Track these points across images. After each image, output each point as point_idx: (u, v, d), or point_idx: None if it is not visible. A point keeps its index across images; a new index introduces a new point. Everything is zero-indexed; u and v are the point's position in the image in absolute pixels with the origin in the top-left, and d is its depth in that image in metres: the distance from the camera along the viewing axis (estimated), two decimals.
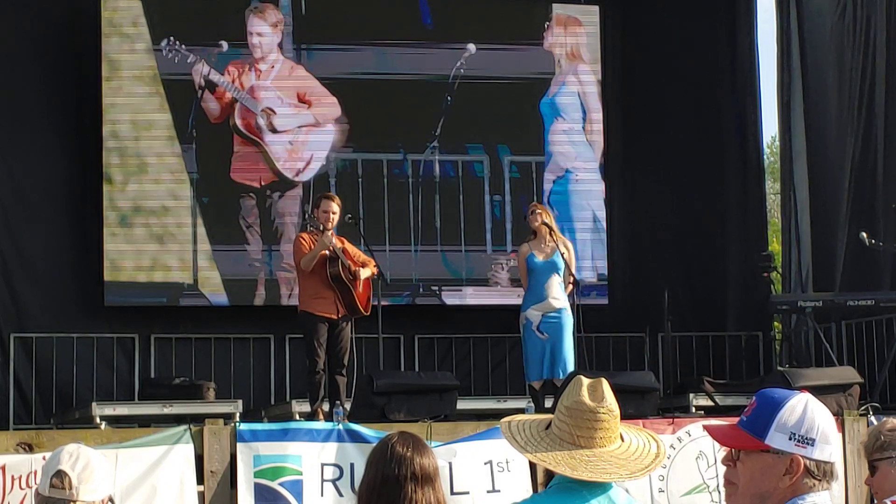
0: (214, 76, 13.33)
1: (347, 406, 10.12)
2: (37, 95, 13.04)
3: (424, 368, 13.26)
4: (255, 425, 9.47)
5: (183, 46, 13.22)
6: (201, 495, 8.96)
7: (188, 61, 13.25)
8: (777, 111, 15.27)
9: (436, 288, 13.74)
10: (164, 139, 13.22)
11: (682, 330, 13.30)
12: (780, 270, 14.60)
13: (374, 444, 4.13)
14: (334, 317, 10.39)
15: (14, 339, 12.72)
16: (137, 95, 13.18)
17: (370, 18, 13.81)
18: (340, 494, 9.08)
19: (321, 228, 10.36)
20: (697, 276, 14.41)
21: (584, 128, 14.17)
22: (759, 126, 15.18)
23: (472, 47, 13.92)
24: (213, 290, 13.22)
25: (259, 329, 13.33)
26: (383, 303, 11.07)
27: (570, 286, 10.79)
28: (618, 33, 14.51)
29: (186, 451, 8.95)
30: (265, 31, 13.56)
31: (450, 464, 9.14)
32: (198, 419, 9.59)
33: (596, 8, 14.36)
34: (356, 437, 9.24)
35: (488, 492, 9.27)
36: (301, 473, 9.08)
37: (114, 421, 10.65)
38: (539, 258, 10.69)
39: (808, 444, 2.94)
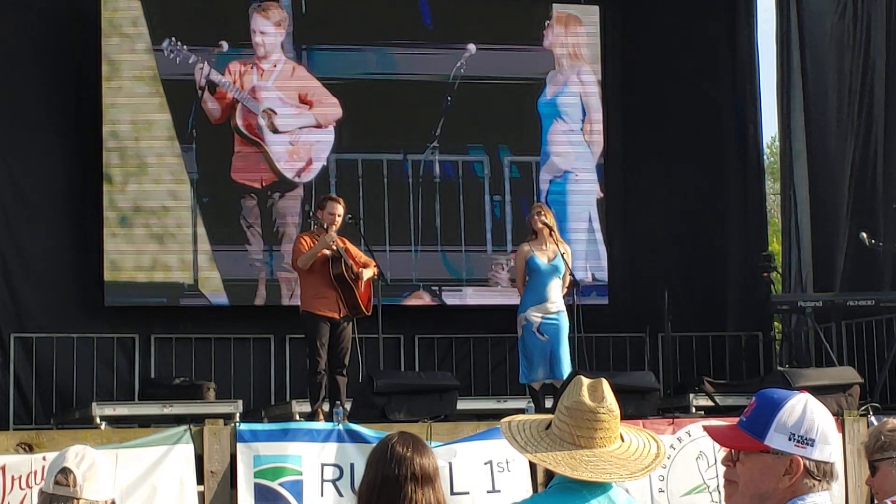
0: (216, 76, 13.33)
1: (347, 406, 10.12)
2: (37, 95, 13.05)
3: (424, 368, 13.26)
4: (255, 425, 9.47)
5: (185, 47, 13.23)
6: (201, 495, 8.96)
7: (189, 62, 13.26)
8: (777, 111, 15.27)
9: (436, 288, 13.74)
10: (164, 139, 13.22)
11: (682, 330, 13.30)
12: (780, 270, 14.60)
13: (374, 445, 4.13)
14: (336, 316, 10.39)
15: (14, 339, 12.72)
16: (137, 96, 13.19)
17: (370, 19, 13.81)
18: (340, 494, 9.08)
19: (325, 228, 10.36)
20: (697, 276, 14.42)
21: (583, 128, 14.17)
22: (759, 126, 15.18)
23: (472, 47, 13.93)
24: (214, 291, 13.22)
25: (259, 329, 13.33)
26: (385, 303, 11.08)
27: (566, 287, 10.79)
28: (618, 33, 14.51)
29: (186, 451, 8.95)
30: (269, 30, 13.56)
31: (450, 464, 9.14)
32: (198, 419, 9.59)
33: (596, 8, 14.36)
34: (356, 438, 9.24)
35: (488, 492, 9.27)
36: (301, 473, 9.08)
37: (114, 421, 10.65)
38: (541, 259, 10.64)
39: (807, 444, 2.94)
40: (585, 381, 3.60)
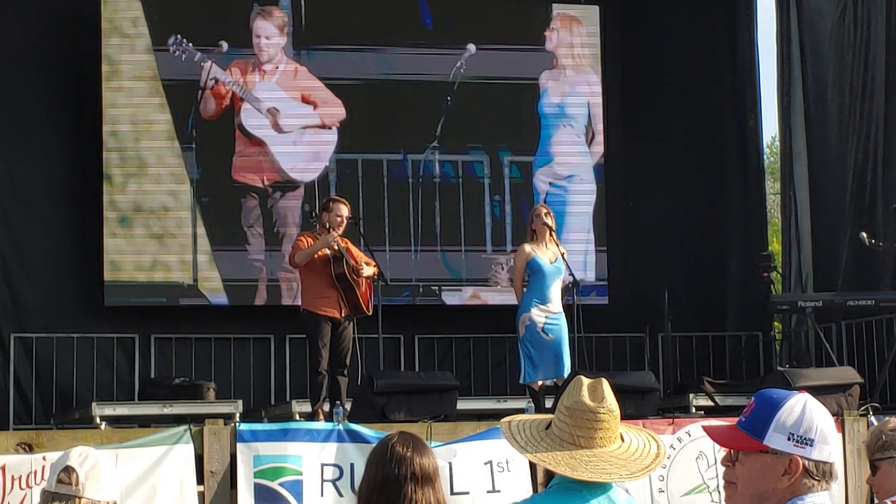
0: (220, 74, 13.33)
1: (347, 406, 10.12)
2: (37, 95, 13.05)
3: (424, 368, 13.26)
4: (255, 425, 9.47)
5: (190, 45, 13.22)
6: (201, 495, 8.96)
7: (195, 59, 13.26)
8: (777, 111, 15.27)
9: (436, 288, 13.74)
10: (164, 139, 13.22)
11: (682, 330, 13.30)
12: (780, 270, 14.60)
13: (375, 445, 4.13)
14: (338, 316, 10.39)
15: (14, 339, 12.72)
16: (137, 96, 13.19)
17: (370, 20, 13.81)
18: (340, 494, 9.08)
19: (328, 228, 10.36)
20: (697, 276, 14.42)
21: (584, 128, 14.17)
22: (759, 126, 15.18)
23: (472, 48, 13.92)
24: (214, 291, 13.22)
25: (259, 329, 13.33)
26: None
27: (574, 287, 10.79)
28: (618, 33, 14.51)
29: (186, 451, 8.94)
30: (272, 34, 13.56)
31: (450, 464, 9.14)
32: (198, 419, 9.59)
33: (596, 8, 14.36)
34: (356, 437, 9.24)
35: (488, 492, 9.27)
36: (301, 473, 9.08)
37: (114, 421, 10.65)
38: (544, 260, 10.62)
39: (806, 444, 2.94)
40: (585, 381, 3.60)
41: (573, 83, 14.19)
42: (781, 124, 15.20)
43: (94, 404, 10.80)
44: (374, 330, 10.93)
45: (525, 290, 10.66)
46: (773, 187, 21.77)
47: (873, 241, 12.12)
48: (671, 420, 10.04)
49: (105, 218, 12.99)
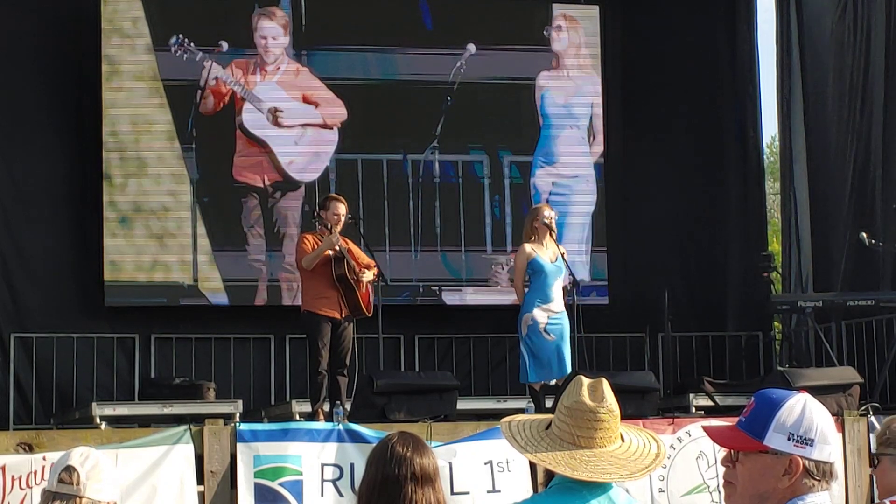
0: (222, 73, 13.32)
1: (348, 406, 10.12)
2: (37, 95, 13.05)
3: (424, 368, 13.27)
4: (255, 425, 9.47)
5: (192, 45, 13.22)
6: (201, 495, 8.96)
7: (197, 59, 13.26)
8: (777, 111, 15.27)
9: (436, 288, 13.75)
10: (164, 139, 13.23)
11: (682, 330, 13.30)
12: (780, 270, 14.60)
13: (375, 445, 4.13)
14: (338, 316, 10.39)
15: (14, 339, 12.73)
16: (137, 95, 13.19)
17: (370, 21, 13.80)
18: (340, 494, 9.08)
19: (329, 228, 10.36)
20: (697, 276, 14.42)
21: (583, 129, 14.17)
22: (759, 126, 15.18)
23: (472, 47, 13.92)
24: (214, 291, 13.22)
25: (259, 329, 13.33)
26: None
27: (574, 287, 10.77)
28: (618, 33, 14.52)
29: (186, 451, 8.94)
30: (277, 34, 13.55)
31: (450, 464, 9.13)
32: (198, 419, 9.58)
33: (596, 8, 14.36)
34: (356, 437, 9.24)
35: (488, 492, 9.27)
36: (301, 473, 9.08)
37: (114, 421, 10.65)
38: (545, 260, 10.61)
39: (806, 444, 2.94)
40: (585, 381, 3.60)
41: (577, 84, 14.19)
42: (781, 124, 15.20)
43: (94, 404, 10.80)
44: (374, 330, 10.93)
45: (527, 290, 10.65)
46: (773, 187, 21.78)
47: (873, 241, 12.12)
48: (671, 420, 10.04)
49: (105, 218, 12.99)
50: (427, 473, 3.94)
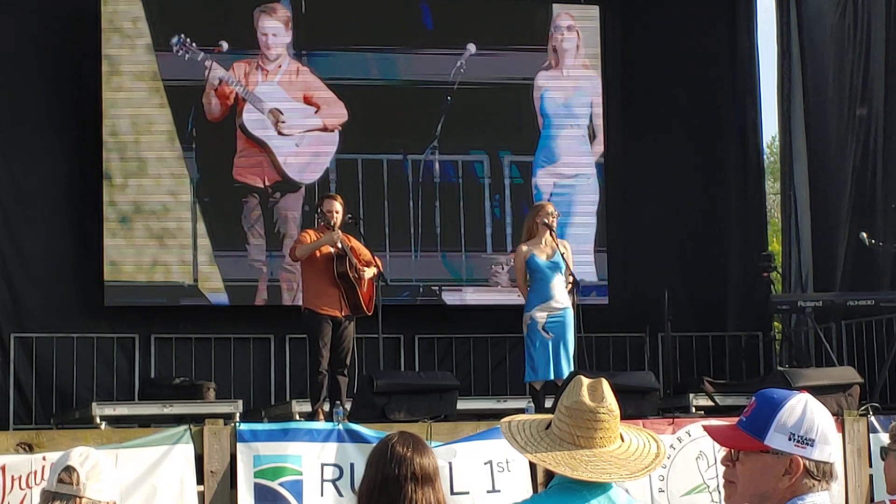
0: (223, 74, 13.33)
1: (348, 406, 10.12)
2: (37, 95, 13.05)
3: (424, 368, 13.26)
4: (255, 425, 9.47)
5: (194, 44, 13.22)
6: (201, 495, 8.96)
7: (198, 59, 13.26)
8: (777, 111, 15.27)
9: (436, 288, 13.74)
10: (164, 139, 13.23)
11: (682, 330, 13.30)
12: (780, 270, 14.60)
13: (375, 445, 4.13)
14: (338, 315, 10.39)
15: (14, 339, 12.73)
16: (137, 95, 13.19)
17: (371, 22, 13.80)
18: (340, 494, 9.08)
19: (331, 226, 10.36)
20: (697, 276, 14.42)
21: (583, 128, 14.17)
22: (759, 126, 15.18)
23: (472, 47, 13.92)
24: (214, 291, 13.22)
25: (259, 329, 13.33)
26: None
27: (570, 286, 10.75)
28: (618, 33, 14.52)
29: (186, 451, 8.94)
30: (277, 31, 13.56)
31: (450, 464, 9.13)
32: (198, 419, 9.58)
33: (596, 8, 14.36)
34: (356, 437, 9.24)
35: (488, 492, 9.27)
36: (301, 473, 9.08)
37: (114, 421, 10.65)
38: (541, 258, 10.63)
39: (807, 444, 2.95)
40: (585, 381, 3.60)
41: (577, 84, 14.19)
42: (781, 124, 15.20)
43: (94, 404, 10.79)
44: (374, 330, 10.93)
45: (529, 289, 10.70)
46: (773, 187, 21.77)
47: (873, 241, 12.12)
48: (671, 420, 10.03)
49: (105, 218, 12.99)
50: (427, 473, 3.94)
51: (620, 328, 13.85)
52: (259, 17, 13.55)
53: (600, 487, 3.53)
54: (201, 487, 8.96)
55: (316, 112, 13.61)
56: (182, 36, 13.21)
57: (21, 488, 8.43)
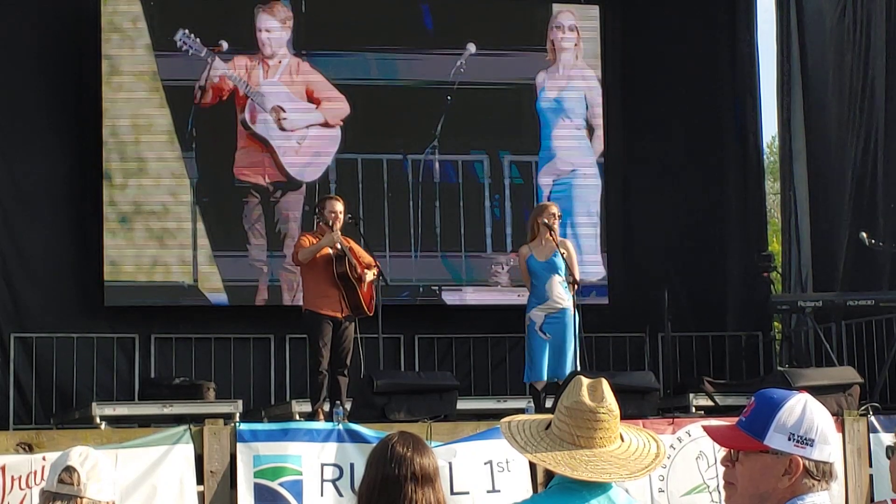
0: (226, 70, 13.32)
1: (347, 406, 10.12)
2: (37, 95, 13.05)
3: (424, 368, 13.27)
4: (255, 425, 9.47)
5: (198, 40, 13.22)
6: (201, 495, 8.96)
7: (202, 55, 13.26)
8: (777, 111, 15.27)
9: (436, 288, 13.74)
10: (164, 139, 13.23)
11: (682, 330, 13.30)
12: (780, 270, 14.60)
13: (375, 444, 4.13)
14: (339, 316, 10.40)
15: (14, 339, 12.72)
16: (138, 95, 13.19)
17: (371, 23, 13.80)
18: (340, 494, 9.08)
19: (331, 227, 10.36)
20: (697, 276, 14.41)
21: (583, 128, 14.17)
22: (759, 126, 15.18)
23: (472, 47, 13.92)
24: (214, 291, 13.22)
25: (259, 329, 13.33)
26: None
27: (572, 285, 10.73)
28: (618, 33, 14.52)
29: (186, 451, 8.94)
30: (275, 28, 13.55)
31: (450, 464, 9.13)
32: (198, 419, 9.58)
33: (596, 8, 14.36)
34: (356, 437, 9.24)
35: (488, 492, 9.27)
36: (301, 473, 9.08)
37: (114, 421, 10.64)
38: (539, 258, 10.67)
39: (807, 444, 2.95)
40: (585, 381, 3.60)
41: (577, 83, 14.19)
42: (781, 124, 15.20)
43: (94, 404, 10.79)
44: (374, 330, 10.93)
45: (530, 290, 10.76)
46: (773, 187, 21.77)
47: (873, 241, 12.12)
48: (671, 420, 10.04)
49: (105, 218, 12.99)
50: (427, 473, 3.94)
51: (620, 328, 13.85)
52: (258, 15, 13.55)
53: (600, 487, 3.53)
54: (201, 487, 8.96)
55: (318, 108, 13.61)
56: (186, 31, 13.20)
57: (21, 488, 8.43)
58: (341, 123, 13.63)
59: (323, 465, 9.14)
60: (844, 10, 13.92)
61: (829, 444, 2.97)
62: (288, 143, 13.47)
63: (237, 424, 9.31)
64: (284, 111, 13.47)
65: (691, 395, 11.52)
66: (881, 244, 12.26)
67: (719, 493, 9.49)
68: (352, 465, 9.09)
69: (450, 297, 13.79)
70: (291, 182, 13.46)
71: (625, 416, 3.76)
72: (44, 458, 8.36)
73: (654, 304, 12.35)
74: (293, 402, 11.29)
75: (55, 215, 13.06)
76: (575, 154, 14.13)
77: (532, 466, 9.12)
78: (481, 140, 13.95)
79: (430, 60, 13.90)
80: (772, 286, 13.81)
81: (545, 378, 10.58)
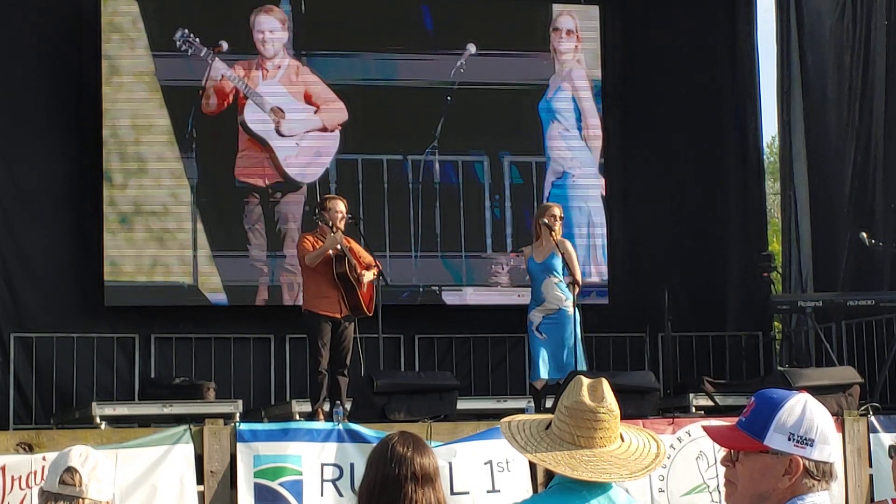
0: (226, 71, 13.32)
1: (348, 406, 10.12)
2: (37, 95, 13.05)
3: (424, 368, 13.27)
4: (255, 425, 9.47)
5: (198, 40, 13.22)
6: (201, 495, 8.96)
7: (202, 55, 13.26)
8: (777, 111, 15.27)
9: (436, 288, 13.74)
10: (164, 140, 13.23)
11: (682, 330, 13.30)
12: (780, 270, 14.60)
13: (375, 444, 4.13)
14: (338, 316, 10.40)
15: (14, 339, 12.72)
16: (138, 96, 13.19)
17: (371, 24, 13.80)
18: (340, 494, 9.08)
19: (331, 227, 10.36)
20: (697, 276, 14.41)
21: (583, 128, 14.17)
22: (759, 126, 15.19)
23: (472, 47, 13.92)
24: (214, 290, 13.22)
25: (259, 329, 13.33)
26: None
27: (577, 287, 10.71)
28: (618, 33, 14.52)
29: (186, 451, 8.94)
30: (274, 29, 13.55)
31: (450, 464, 9.14)
32: (198, 419, 9.58)
33: (596, 8, 14.36)
34: (356, 437, 9.24)
35: (488, 492, 9.27)
36: (301, 473, 9.08)
37: (114, 421, 10.64)
38: (536, 260, 10.72)
39: (807, 444, 2.95)
40: (585, 381, 3.60)
41: (577, 83, 14.18)
42: (781, 124, 15.20)
43: (94, 404, 10.79)
44: (374, 330, 10.93)
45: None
46: (773, 187, 21.77)
47: (873, 241, 12.12)
48: (671, 420, 10.04)
49: (105, 218, 12.99)
50: (427, 473, 3.94)
51: (620, 328, 13.85)
52: (257, 16, 13.54)
53: (600, 487, 3.53)
54: (201, 487, 8.97)
55: (316, 112, 13.61)
56: (186, 31, 13.20)
57: (21, 488, 8.43)
58: (339, 128, 13.62)
59: (323, 465, 9.14)
60: (844, 10, 13.92)
61: (829, 444, 2.97)
62: (288, 145, 13.46)
63: (237, 424, 9.31)
64: (284, 112, 13.46)
65: (691, 395, 11.52)
66: (881, 244, 12.26)
67: (719, 492, 9.50)
68: (352, 465, 9.09)
69: (450, 298, 13.79)
70: (291, 183, 13.45)
71: (625, 416, 3.76)
72: (44, 458, 8.36)
73: (654, 304, 12.34)
74: (293, 402, 11.30)
75: (55, 215, 13.06)
76: (570, 156, 14.12)
77: (532, 466, 9.12)
78: (481, 140, 13.95)
79: (430, 61, 13.89)
80: (772, 286, 13.80)
81: (544, 378, 10.59)
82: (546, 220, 10.75)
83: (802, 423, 2.95)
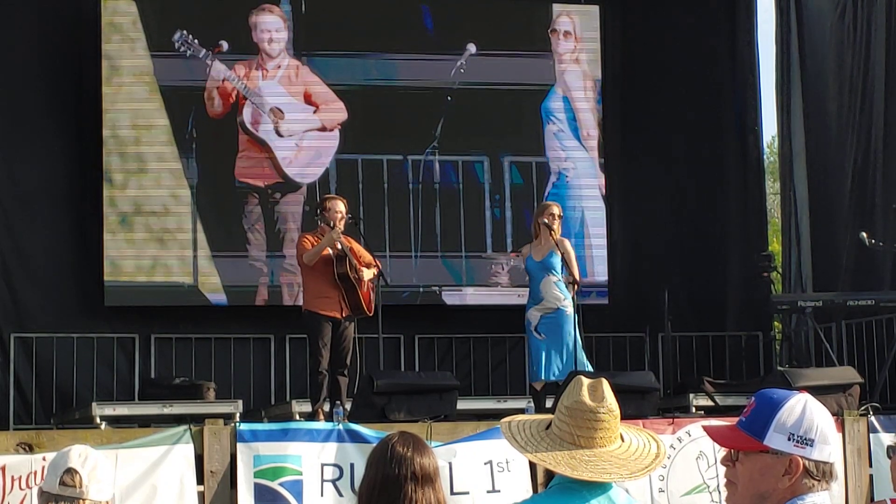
0: (226, 72, 13.32)
1: (348, 406, 10.12)
2: (37, 96, 13.05)
3: (424, 368, 13.27)
4: (255, 425, 9.47)
5: (196, 41, 13.21)
6: (201, 495, 8.96)
7: (200, 56, 13.26)
8: (777, 111, 15.27)
9: (436, 288, 13.74)
10: (164, 140, 13.22)
11: (682, 330, 13.30)
12: (780, 270, 14.60)
13: (375, 444, 4.13)
14: (338, 316, 10.40)
15: (14, 339, 12.72)
16: (138, 96, 13.19)
17: (371, 25, 13.79)
18: (340, 494, 9.08)
19: (332, 226, 10.36)
20: (697, 276, 14.41)
21: (584, 128, 14.17)
22: (759, 126, 15.18)
23: (472, 47, 13.92)
24: (214, 291, 13.22)
25: (259, 329, 13.33)
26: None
27: (575, 286, 10.72)
28: (618, 33, 14.52)
29: (186, 451, 8.94)
30: (274, 28, 13.54)
31: (450, 464, 9.14)
32: (198, 419, 9.58)
33: (596, 8, 14.36)
34: (356, 437, 9.24)
35: (488, 492, 9.27)
36: (301, 473, 9.08)
37: (114, 421, 10.64)
38: (534, 259, 10.73)
39: (807, 444, 2.95)
40: (585, 381, 3.60)
41: (577, 84, 14.18)
42: (781, 124, 15.20)
43: (94, 404, 10.79)
44: (374, 330, 10.93)
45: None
46: (773, 187, 21.77)
47: (873, 241, 12.12)
48: (671, 420, 10.04)
49: (105, 218, 12.99)
50: (427, 473, 3.94)
51: (620, 328, 13.86)
52: (257, 16, 13.54)
53: (600, 487, 3.53)
54: (201, 487, 8.97)
55: (316, 112, 13.61)
56: (184, 32, 13.20)
57: (21, 488, 8.44)
58: (338, 127, 13.62)
59: (323, 465, 9.14)
60: (844, 10, 13.92)
61: (829, 444, 2.97)
62: (287, 145, 13.46)
63: (237, 424, 9.31)
64: (283, 113, 13.46)
65: (691, 395, 11.52)
66: (881, 244, 12.26)
67: (719, 492, 9.50)
68: (352, 465, 9.09)
69: (450, 298, 13.79)
70: (290, 184, 13.45)
71: (625, 416, 3.76)
72: (44, 458, 8.35)
73: (654, 304, 12.35)
74: (293, 402, 11.30)
75: (55, 215, 13.06)
76: (574, 155, 14.12)
77: (532, 466, 9.12)
78: (481, 141, 13.95)
79: (430, 61, 13.89)
80: (772, 286, 13.80)
81: (542, 378, 10.59)
82: (545, 219, 10.76)
83: (802, 423, 2.95)
